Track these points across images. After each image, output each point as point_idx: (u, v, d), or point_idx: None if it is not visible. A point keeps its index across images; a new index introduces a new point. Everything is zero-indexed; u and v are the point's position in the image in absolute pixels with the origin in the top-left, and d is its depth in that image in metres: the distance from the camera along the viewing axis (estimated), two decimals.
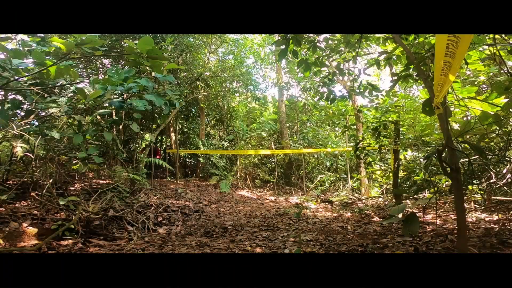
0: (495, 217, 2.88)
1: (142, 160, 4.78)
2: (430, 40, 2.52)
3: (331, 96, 3.86)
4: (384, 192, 5.94)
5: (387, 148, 4.30)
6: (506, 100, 1.98)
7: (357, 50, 3.32)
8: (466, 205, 3.22)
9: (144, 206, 3.70)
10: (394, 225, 2.93)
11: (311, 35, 3.28)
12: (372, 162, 6.79)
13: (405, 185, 5.04)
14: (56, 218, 2.72)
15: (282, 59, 3.33)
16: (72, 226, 2.58)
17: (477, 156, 2.82)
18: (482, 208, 3.22)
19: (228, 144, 8.93)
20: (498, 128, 2.16)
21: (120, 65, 6.47)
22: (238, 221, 3.73)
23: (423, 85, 2.59)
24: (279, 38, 3.04)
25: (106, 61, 7.59)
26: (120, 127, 4.65)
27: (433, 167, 3.60)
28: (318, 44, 3.45)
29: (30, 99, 2.93)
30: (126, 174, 3.83)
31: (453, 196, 3.20)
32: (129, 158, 4.61)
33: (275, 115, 10.48)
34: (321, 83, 4.10)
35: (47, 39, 2.99)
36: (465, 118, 2.79)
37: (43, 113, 3.37)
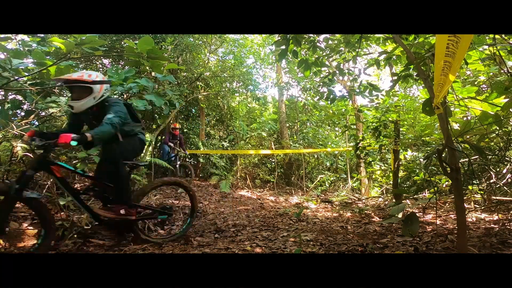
0: (495, 217, 2.88)
1: (142, 160, 4.78)
2: (430, 40, 2.52)
3: (331, 96, 3.86)
4: (384, 192, 5.94)
5: (387, 148, 4.30)
6: (506, 100, 1.98)
7: (357, 50, 3.32)
8: (466, 205, 3.22)
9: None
10: (394, 225, 2.93)
11: (311, 35, 3.28)
12: (372, 162, 6.79)
13: (405, 185, 5.04)
14: (56, 218, 2.72)
15: (282, 59, 3.34)
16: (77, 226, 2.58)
17: (477, 156, 2.82)
18: (482, 208, 3.22)
19: (228, 144, 8.93)
20: (498, 128, 2.16)
21: (120, 65, 6.47)
22: (238, 221, 3.73)
23: (423, 85, 2.59)
24: (279, 38, 3.04)
25: (106, 61, 7.59)
26: None
27: (433, 167, 3.60)
28: (318, 44, 3.45)
29: (30, 99, 2.93)
30: None
31: (453, 196, 3.20)
32: None
33: (275, 115, 10.48)
34: (321, 83, 4.11)
35: (47, 39, 2.99)
36: (465, 118, 2.79)
37: (43, 113, 3.36)
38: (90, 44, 2.20)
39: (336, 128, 10.33)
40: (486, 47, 2.26)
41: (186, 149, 7.32)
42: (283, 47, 3.07)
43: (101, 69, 7.57)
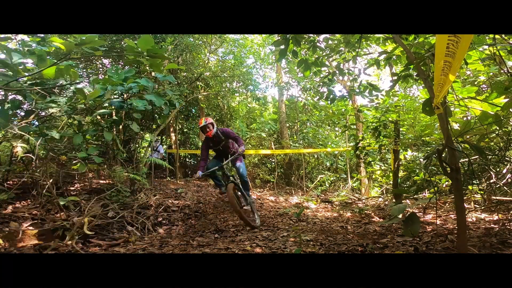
0: (495, 217, 2.88)
1: (142, 160, 4.78)
2: (430, 40, 2.52)
3: (331, 96, 3.86)
4: (384, 192, 5.94)
5: (387, 148, 4.30)
6: (506, 100, 1.98)
7: (357, 50, 3.32)
8: (466, 205, 3.22)
9: (144, 206, 3.70)
10: (394, 225, 2.93)
11: (311, 35, 3.28)
12: (372, 162, 6.79)
13: (405, 185, 5.04)
14: (56, 219, 2.72)
15: (282, 59, 3.34)
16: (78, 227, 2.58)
17: (477, 156, 2.82)
18: (482, 208, 3.22)
19: None
20: (498, 128, 2.16)
21: (120, 65, 6.46)
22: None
23: (423, 85, 2.59)
24: (279, 38, 3.04)
25: (106, 61, 7.59)
26: (120, 127, 4.65)
27: (433, 167, 3.60)
28: (318, 44, 3.45)
29: (30, 99, 2.93)
30: (126, 174, 3.82)
31: (453, 196, 3.20)
32: (129, 158, 4.61)
33: (275, 115, 10.47)
34: (321, 83, 4.11)
35: (47, 39, 2.99)
36: (465, 118, 2.79)
37: (43, 113, 3.36)
38: (91, 44, 2.19)
39: (336, 128, 10.33)
40: (486, 47, 2.26)
41: (243, 143, 3.84)
42: (282, 47, 3.08)
43: (101, 69, 7.57)
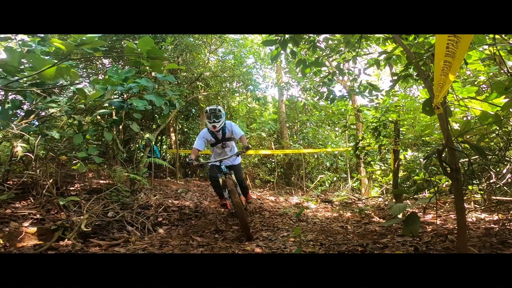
0: (495, 217, 2.88)
1: (142, 160, 4.78)
2: (430, 40, 2.52)
3: (331, 96, 3.86)
4: (384, 192, 5.94)
5: (387, 148, 4.30)
6: (506, 100, 1.98)
7: (357, 50, 3.32)
8: (466, 205, 3.22)
9: (144, 206, 3.70)
10: (394, 225, 2.93)
11: (311, 35, 3.28)
12: (372, 162, 6.79)
13: (405, 185, 5.04)
14: (56, 218, 2.72)
15: (276, 59, 3.38)
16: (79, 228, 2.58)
17: (477, 156, 2.82)
18: (482, 208, 3.21)
19: None
20: (498, 128, 2.16)
21: (120, 65, 6.47)
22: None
23: (423, 85, 2.59)
24: (278, 37, 3.04)
25: (106, 61, 7.60)
26: (120, 127, 4.65)
27: (433, 167, 3.60)
28: (318, 44, 3.45)
29: (30, 99, 2.93)
30: (126, 174, 3.82)
31: (453, 196, 3.20)
32: (129, 158, 4.61)
33: (275, 115, 10.47)
34: (321, 83, 4.11)
35: (47, 39, 2.99)
36: (465, 118, 2.79)
37: (43, 113, 3.36)
38: (91, 45, 2.19)
39: (336, 128, 10.33)
40: (486, 47, 2.26)
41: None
42: (276, 46, 3.09)
43: (101, 69, 7.57)
